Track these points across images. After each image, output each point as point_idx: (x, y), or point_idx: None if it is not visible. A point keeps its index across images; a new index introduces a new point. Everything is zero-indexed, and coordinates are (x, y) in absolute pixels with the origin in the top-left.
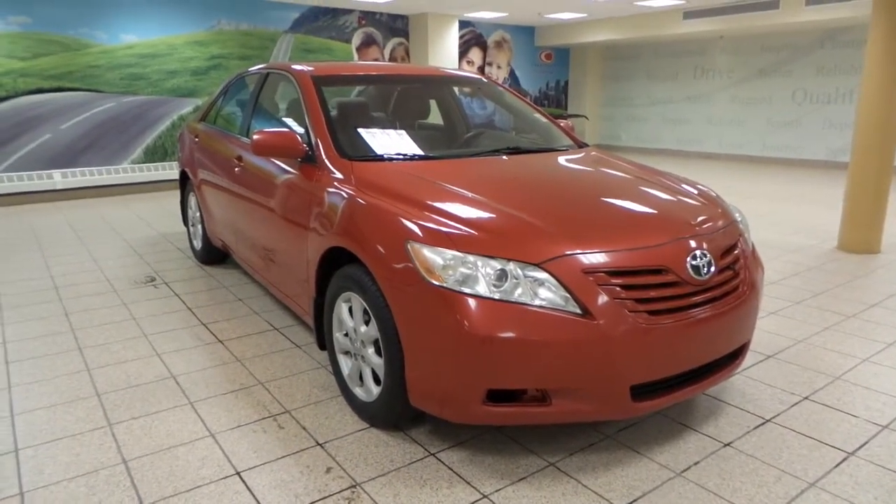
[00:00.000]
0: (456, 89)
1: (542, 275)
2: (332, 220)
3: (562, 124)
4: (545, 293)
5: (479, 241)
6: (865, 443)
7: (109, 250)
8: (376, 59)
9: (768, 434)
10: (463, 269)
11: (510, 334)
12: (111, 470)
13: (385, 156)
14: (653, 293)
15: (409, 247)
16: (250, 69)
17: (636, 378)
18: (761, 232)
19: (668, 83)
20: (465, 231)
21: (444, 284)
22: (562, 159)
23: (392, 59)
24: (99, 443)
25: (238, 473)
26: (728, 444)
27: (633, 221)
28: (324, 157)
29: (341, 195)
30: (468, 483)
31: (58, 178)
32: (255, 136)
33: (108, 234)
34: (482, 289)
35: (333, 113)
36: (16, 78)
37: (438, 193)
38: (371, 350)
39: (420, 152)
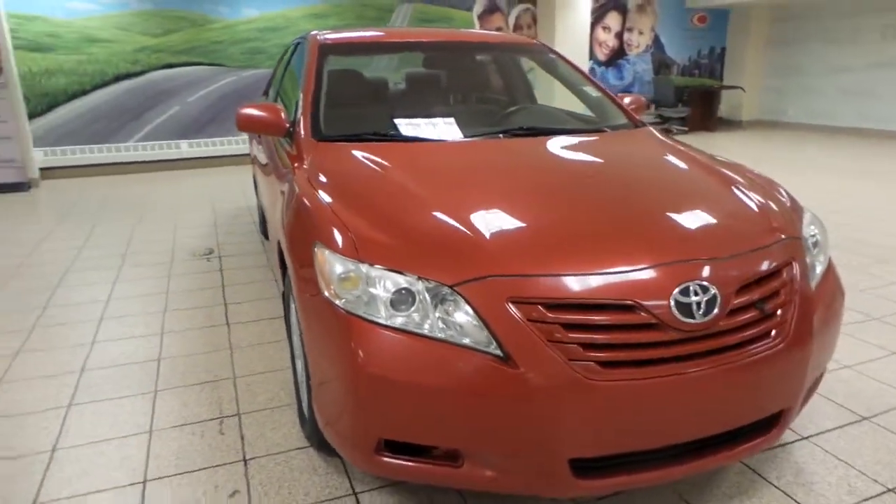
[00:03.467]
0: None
1: (457, 300)
2: (285, 210)
3: (626, 100)
4: (460, 324)
5: (387, 251)
6: None
7: (193, 220)
8: (499, 28)
9: None
10: (366, 286)
11: (407, 376)
12: (33, 458)
13: (354, 136)
14: (610, 337)
15: (315, 250)
16: (295, 39)
17: (577, 450)
18: None
19: (848, 47)
20: (377, 236)
21: (338, 303)
22: (580, 143)
23: (517, 27)
24: (44, 425)
25: (144, 482)
26: None
27: (605, 233)
28: (300, 134)
29: (293, 180)
30: None
31: (184, 148)
32: (238, 111)
33: (203, 203)
34: (382, 313)
35: (400, 86)
36: (149, 54)
37: (378, 184)
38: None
39: (407, 133)
